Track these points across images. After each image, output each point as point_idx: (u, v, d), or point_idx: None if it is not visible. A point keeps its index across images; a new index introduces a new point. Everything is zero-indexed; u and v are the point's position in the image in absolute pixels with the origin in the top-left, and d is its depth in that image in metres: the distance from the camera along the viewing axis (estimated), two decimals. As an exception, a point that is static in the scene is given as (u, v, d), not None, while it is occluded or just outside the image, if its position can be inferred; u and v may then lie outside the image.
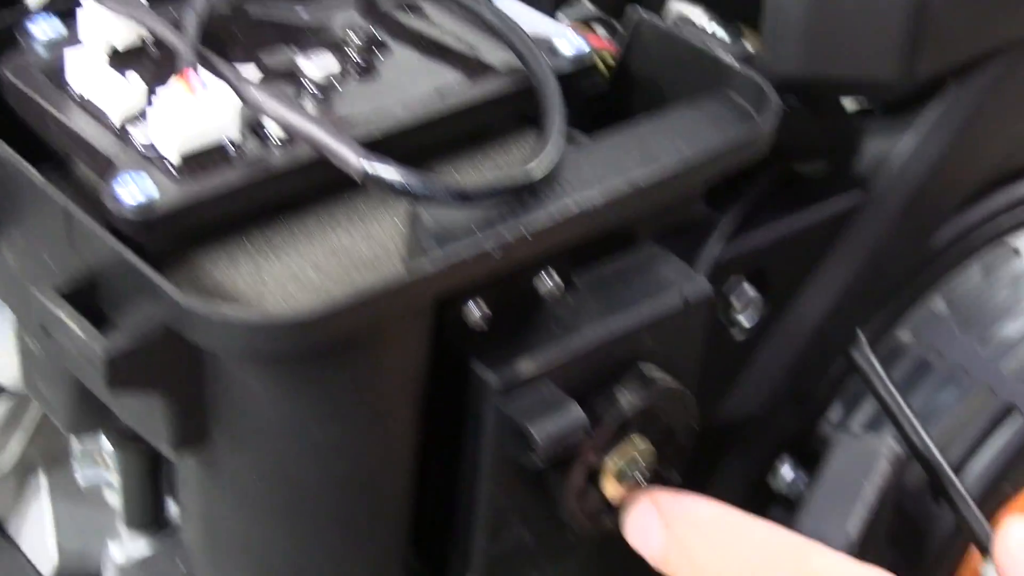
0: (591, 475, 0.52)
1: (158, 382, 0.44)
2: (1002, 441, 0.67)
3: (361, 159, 0.46)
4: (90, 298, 0.44)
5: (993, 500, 0.67)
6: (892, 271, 0.66)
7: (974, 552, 0.66)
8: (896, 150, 0.63)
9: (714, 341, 0.61)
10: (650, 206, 0.51)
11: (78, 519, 0.64)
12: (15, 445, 0.64)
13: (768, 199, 0.62)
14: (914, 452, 0.65)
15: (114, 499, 0.58)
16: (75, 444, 0.60)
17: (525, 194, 0.48)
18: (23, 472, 0.66)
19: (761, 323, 0.62)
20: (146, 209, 0.45)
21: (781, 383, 0.64)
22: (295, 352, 0.43)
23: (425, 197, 0.46)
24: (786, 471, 0.68)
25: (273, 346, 0.43)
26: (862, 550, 0.61)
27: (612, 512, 0.54)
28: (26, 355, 0.50)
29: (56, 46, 0.51)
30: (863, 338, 0.66)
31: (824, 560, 0.51)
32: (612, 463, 0.52)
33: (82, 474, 0.59)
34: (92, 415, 0.49)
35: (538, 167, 0.48)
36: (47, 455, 0.65)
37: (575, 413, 0.49)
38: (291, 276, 0.47)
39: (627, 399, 0.51)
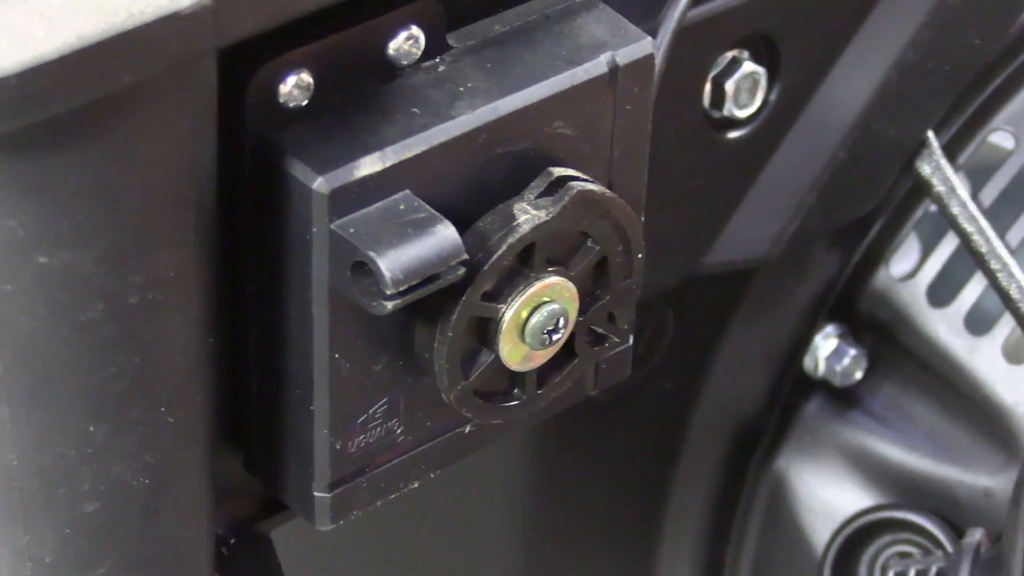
0: (482, 333, 0.52)
1: None
2: None
3: None
4: None
5: None
6: (971, 42, 0.64)
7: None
8: None
9: (695, 149, 0.61)
10: None
11: None
12: None
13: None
14: (1010, 309, 0.63)
15: None
16: None
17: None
18: None
19: (770, 116, 0.61)
20: None
21: (809, 211, 0.63)
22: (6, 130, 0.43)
23: None
24: (828, 345, 0.67)
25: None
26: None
27: (519, 388, 0.53)
28: None
29: None
30: (935, 143, 0.64)
31: None
32: (514, 313, 0.51)
33: None
34: None
35: None
36: None
37: (444, 234, 0.48)
38: (11, 31, 0.46)
39: (529, 215, 0.51)
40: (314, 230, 0.49)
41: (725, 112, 0.61)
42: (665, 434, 0.67)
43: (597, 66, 0.52)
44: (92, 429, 0.48)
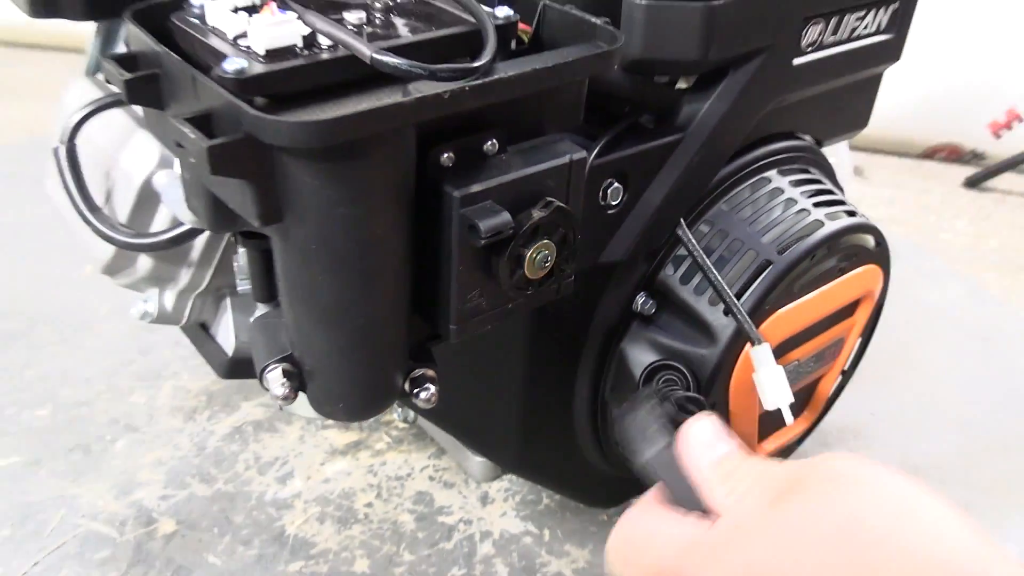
0: (517, 261, 0.43)
1: (245, 171, 0.35)
2: (761, 281, 0.56)
3: (370, 51, 0.36)
4: (204, 121, 0.35)
5: (758, 315, 0.56)
6: (698, 183, 0.56)
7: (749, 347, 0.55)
8: (700, 109, 0.54)
9: (595, 216, 0.52)
10: (547, 82, 0.41)
11: (248, 322, 0.55)
12: (207, 272, 0.55)
13: (625, 134, 0.52)
14: (714, 288, 0.54)
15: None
16: (236, 265, 0.51)
17: (470, 74, 0.38)
18: (217, 297, 0.57)
19: (623, 205, 0.53)
20: (239, 72, 0.35)
21: (638, 244, 0.54)
22: (322, 146, 0.34)
23: (407, 72, 0.37)
24: (641, 299, 0.58)
25: (306, 139, 0.33)
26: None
27: (531, 287, 0.44)
28: (184, 184, 0.41)
29: (202, 7, 0.42)
30: (683, 222, 0.56)
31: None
32: (530, 253, 0.42)
33: (240, 281, 0.50)
34: (223, 216, 0.39)
35: (479, 62, 0.39)
36: (230, 286, 0.56)
37: (505, 216, 0.41)
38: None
39: (538, 213, 0.42)
40: (454, 213, 0.40)
41: (607, 202, 0.52)
42: (576, 329, 0.58)
43: (564, 159, 0.44)
44: (362, 285, 0.39)
